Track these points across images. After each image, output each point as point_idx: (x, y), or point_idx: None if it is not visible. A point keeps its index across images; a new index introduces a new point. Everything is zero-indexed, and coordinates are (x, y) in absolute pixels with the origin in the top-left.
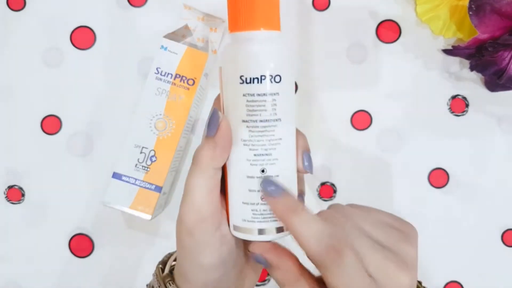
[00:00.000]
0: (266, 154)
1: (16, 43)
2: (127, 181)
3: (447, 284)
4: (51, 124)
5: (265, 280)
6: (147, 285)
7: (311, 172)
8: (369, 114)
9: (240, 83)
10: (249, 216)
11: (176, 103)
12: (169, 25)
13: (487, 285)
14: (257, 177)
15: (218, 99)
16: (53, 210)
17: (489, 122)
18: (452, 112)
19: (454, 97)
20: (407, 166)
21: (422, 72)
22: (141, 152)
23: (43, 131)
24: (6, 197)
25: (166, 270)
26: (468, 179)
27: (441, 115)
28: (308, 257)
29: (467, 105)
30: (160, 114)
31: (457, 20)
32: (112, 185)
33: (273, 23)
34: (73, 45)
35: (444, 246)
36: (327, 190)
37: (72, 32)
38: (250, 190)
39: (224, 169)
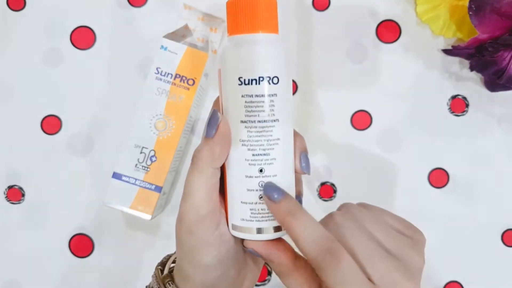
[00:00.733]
0: (264, 154)
1: (16, 43)
2: (127, 181)
3: (447, 284)
4: (51, 124)
5: (265, 280)
6: (146, 287)
7: (308, 173)
8: (369, 114)
9: (239, 84)
10: (248, 216)
11: (176, 103)
12: (169, 25)
13: (487, 285)
14: (255, 177)
15: (217, 100)
16: (53, 210)
17: (489, 122)
18: (452, 112)
19: (454, 97)
20: (407, 166)
21: (422, 72)
22: (141, 152)
23: (43, 131)
24: (6, 197)
25: (165, 271)
26: (468, 179)
27: (441, 115)
28: (307, 259)
29: (467, 105)
30: (160, 114)
31: (457, 20)
32: (112, 185)
33: (271, 26)
34: (73, 45)
35: (444, 246)
36: (327, 190)
37: (72, 32)
38: (248, 190)
39: (223, 169)
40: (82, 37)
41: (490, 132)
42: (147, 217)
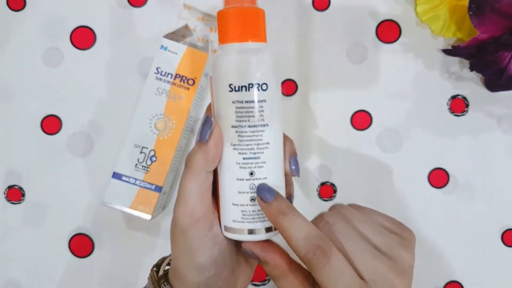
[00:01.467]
0: (255, 158)
1: (16, 43)
2: (127, 181)
3: (447, 284)
4: (51, 124)
5: (265, 280)
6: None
7: (298, 175)
8: (369, 114)
9: (229, 91)
10: (239, 217)
11: (176, 103)
12: (169, 25)
13: (487, 285)
14: (246, 180)
15: (210, 106)
16: (53, 210)
17: (489, 122)
18: (452, 112)
19: (454, 97)
20: (407, 166)
21: (422, 72)
22: (141, 152)
23: (43, 131)
24: (6, 197)
25: (160, 273)
26: (468, 179)
27: (441, 115)
28: (298, 257)
29: (467, 105)
30: (160, 114)
31: (457, 20)
32: (112, 185)
33: (260, 35)
34: (73, 45)
35: (444, 246)
36: (327, 190)
37: (72, 32)
38: (239, 192)
39: (215, 172)
40: (82, 37)
41: (490, 132)
42: (147, 217)
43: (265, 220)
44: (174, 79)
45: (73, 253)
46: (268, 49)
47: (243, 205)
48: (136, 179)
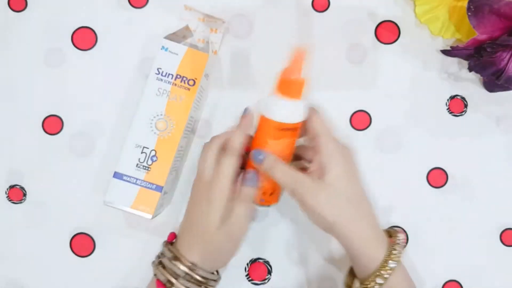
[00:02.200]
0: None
1: (18, 43)
2: (128, 181)
3: (446, 283)
4: (52, 124)
5: (265, 280)
6: (153, 262)
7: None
8: (368, 114)
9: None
10: None
11: (176, 104)
12: (170, 26)
13: (486, 284)
14: None
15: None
16: (54, 209)
17: (487, 122)
18: (451, 112)
19: (452, 98)
20: (406, 166)
21: (421, 72)
22: (142, 152)
23: (45, 131)
24: (7, 196)
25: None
26: (466, 179)
27: (440, 115)
28: (286, 191)
29: (465, 105)
30: (161, 114)
31: (456, 21)
32: (113, 185)
33: (299, 95)
34: (74, 45)
35: (443, 245)
36: None
37: (73, 32)
38: None
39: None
40: (84, 38)
41: (488, 132)
42: (148, 216)
43: None
44: (175, 79)
45: (74, 253)
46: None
47: None
48: (137, 179)
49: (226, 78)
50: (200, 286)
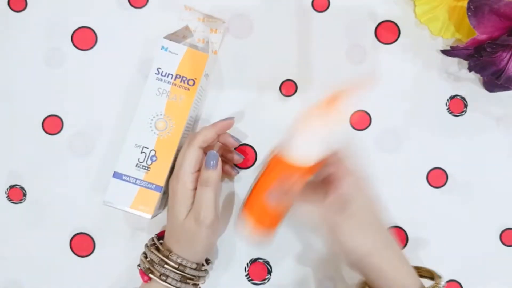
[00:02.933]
0: None
1: (18, 43)
2: (127, 181)
3: (446, 283)
4: (52, 124)
5: (264, 279)
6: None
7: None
8: (368, 114)
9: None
10: None
11: (176, 103)
12: (170, 26)
13: (486, 284)
14: None
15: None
16: (54, 209)
17: (487, 122)
18: (451, 112)
19: (452, 97)
20: (406, 166)
21: (421, 72)
22: (141, 152)
23: (44, 131)
24: (7, 196)
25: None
26: (466, 178)
27: (439, 115)
28: None
29: (465, 105)
30: (161, 114)
31: (456, 21)
32: (113, 185)
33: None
34: (74, 45)
35: (443, 245)
36: None
37: (73, 32)
38: None
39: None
40: (83, 38)
41: (488, 132)
42: (148, 216)
43: None
44: (175, 79)
45: (74, 253)
46: None
47: None
48: (136, 179)
49: (226, 78)
50: (180, 275)
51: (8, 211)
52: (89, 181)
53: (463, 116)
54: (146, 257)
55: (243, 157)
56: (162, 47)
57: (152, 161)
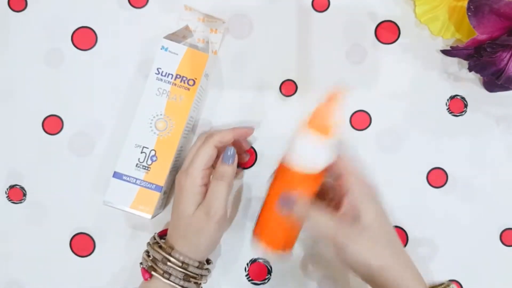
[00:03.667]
0: None
1: (18, 43)
2: (127, 181)
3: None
4: (52, 124)
5: (264, 279)
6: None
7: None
8: (368, 114)
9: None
10: None
11: (176, 103)
12: (170, 26)
13: (486, 284)
14: None
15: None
16: (54, 209)
17: (487, 122)
18: (451, 112)
19: (452, 97)
20: (406, 166)
21: (421, 72)
22: (141, 152)
23: (45, 131)
24: (7, 196)
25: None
26: (466, 179)
27: (439, 115)
28: None
29: (465, 105)
30: (161, 114)
31: (456, 21)
32: (113, 185)
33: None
34: (74, 45)
35: (443, 245)
36: None
37: (73, 32)
38: None
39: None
40: (83, 38)
41: (488, 132)
42: (148, 216)
43: None
44: (175, 79)
45: (74, 252)
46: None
47: None
48: (136, 179)
49: (226, 78)
50: (183, 273)
51: (8, 211)
52: (89, 181)
53: (463, 116)
54: (148, 255)
55: (249, 155)
56: (162, 47)
57: (152, 161)
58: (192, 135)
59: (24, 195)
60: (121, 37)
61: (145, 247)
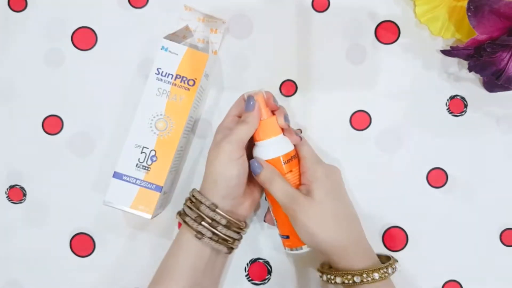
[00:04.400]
0: None
1: (18, 43)
2: (127, 181)
3: (446, 283)
4: (52, 124)
5: (264, 279)
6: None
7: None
8: (368, 114)
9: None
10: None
11: (176, 104)
12: (170, 26)
13: (486, 284)
14: None
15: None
16: (54, 209)
17: (487, 122)
18: (451, 113)
19: (452, 98)
20: (406, 166)
21: (421, 72)
22: (141, 152)
23: (45, 131)
24: (7, 196)
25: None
26: (466, 179)
27: (439, 115)
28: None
29: (465, 106)
30: (161, 114)
31: (456, 21)
32: (113, 185)
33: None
34: (74, 45)
35: (443, 245)
36: None
37: (73, 32)
38: None
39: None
40: (83, 38)
41: (488, 132)
42: (148, 216)
43: None
44: (175, 79)
45: (74, 253)
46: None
47: None
48: (136, 179)
49: (226, 78)
50: (197, 213)
51: (8, 211)
52: (89, 181)
53: (463, 116)
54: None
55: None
56: (162, 47)
57: (152, 161)
58: (192, 135)
59: (24, 195)
60: (121, 37)
61: (145, 247)
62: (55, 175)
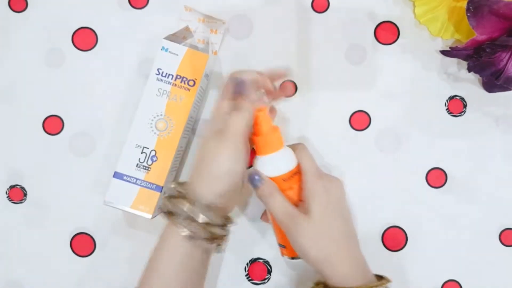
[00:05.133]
0: None
1: (18, 44)
2: (128, 181)
3: (445, 283)
4: (53, 124)
5: (264, 279)
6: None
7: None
8: (368, 115)
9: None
10: None
11: (176, 104)
12: (170, 26)
13: (485, 284)
14: None
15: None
16: (54, 209)
17: (486, 123)
18: (450, 113)
19: (452, 98)
20: (405, 166)
21: (420, 73)
22: (142, 152)
23: (45, 131)
24: (8, 196)
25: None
26: (466, 179)
27: (439, 115)
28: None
29: (465, 106)
30: (161, 115)
31: (455, 22)
32: (113, 185)
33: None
34: (75, 46)
35: (442, 245)
36: None
37: (74, 33)
38: None
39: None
40: (84, 38)
41: (488, 133)
42: (148, 216)
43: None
44: (175, 80)
45: (75, 252)
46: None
47: None
48: (137, 179)
49: (226, 78)
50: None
51: (8, 211)
52: (90, 181)
53: (463, 117)
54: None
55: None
56: (163, 48)
57: (153, 161)
58: (192, 135)
59: (25, 195)
60: (121, 37)
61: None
62: (55, 175)
